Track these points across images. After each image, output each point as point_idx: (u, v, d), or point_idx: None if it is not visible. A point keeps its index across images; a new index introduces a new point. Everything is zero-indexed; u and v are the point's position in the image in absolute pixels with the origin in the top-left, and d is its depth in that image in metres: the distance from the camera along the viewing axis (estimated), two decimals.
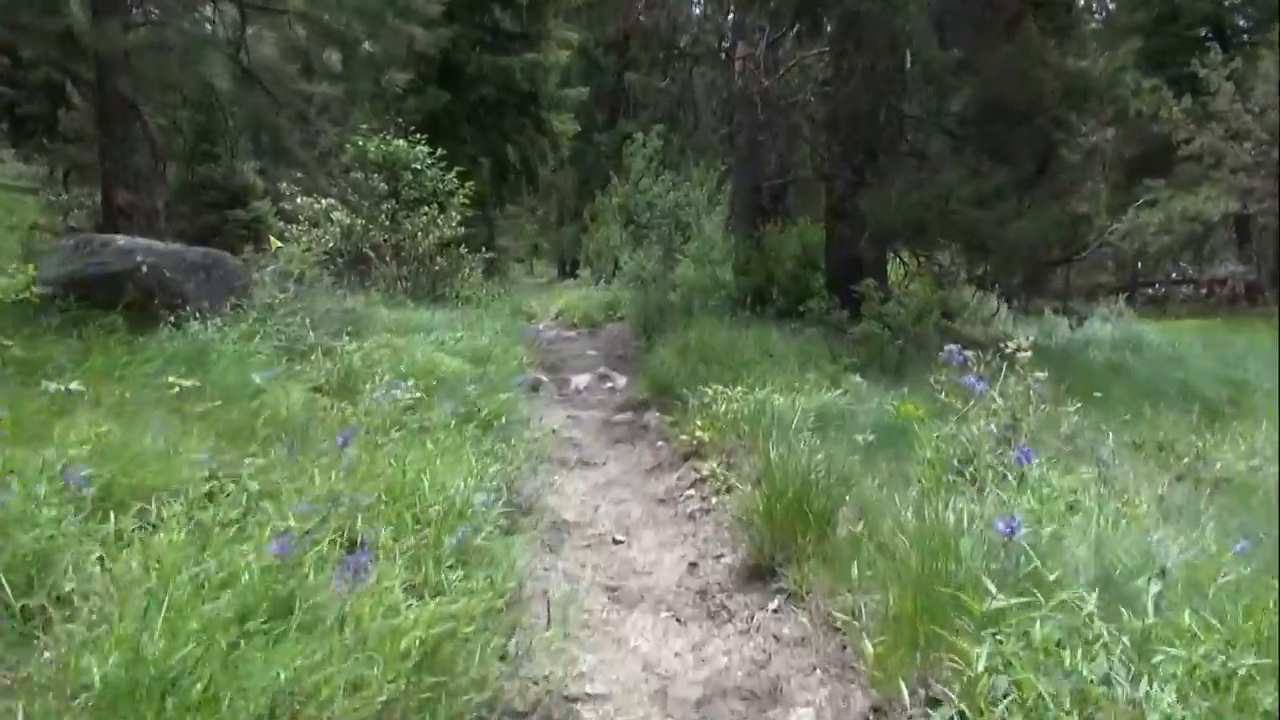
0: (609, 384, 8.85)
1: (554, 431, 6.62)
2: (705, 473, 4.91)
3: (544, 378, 9.35)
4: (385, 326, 8.51)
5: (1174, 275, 25.45)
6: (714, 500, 4.54)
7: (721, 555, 3.99)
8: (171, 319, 5.91)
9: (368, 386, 5.08)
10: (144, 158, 9.95)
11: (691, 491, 4.80)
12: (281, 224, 13.86)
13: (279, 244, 13.94)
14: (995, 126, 10.79)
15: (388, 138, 14.03)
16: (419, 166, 13.84)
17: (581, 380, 8.98)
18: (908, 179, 10.63)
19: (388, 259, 13.35)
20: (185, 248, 7.10)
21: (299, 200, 13.47)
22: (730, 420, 5.33)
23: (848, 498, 3.84)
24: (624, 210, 23.82)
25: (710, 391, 5.89)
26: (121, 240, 6.83)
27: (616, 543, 4.24)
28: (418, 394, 5.19)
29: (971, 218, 9.30)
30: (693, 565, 3.90)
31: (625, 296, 15.69)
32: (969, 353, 4.04)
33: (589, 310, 15.48)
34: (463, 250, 13.68)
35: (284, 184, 15.62)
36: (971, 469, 3.67)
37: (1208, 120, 20.05)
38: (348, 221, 13.19)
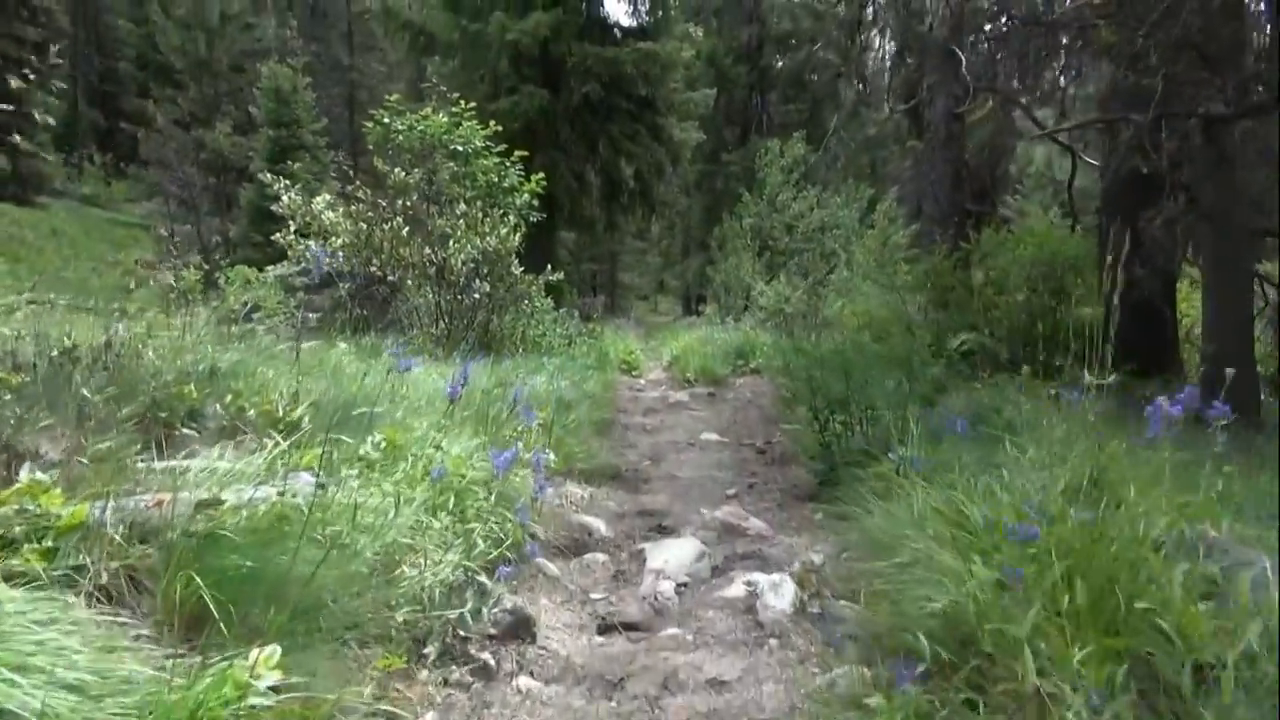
0: (748, 579, 3.19)
1: None
2: None
3: (600, 525, 3.84)
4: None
5: None
6: None
7: None
8: None
9: None
10: None
11: None
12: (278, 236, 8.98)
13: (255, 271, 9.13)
14: None
15: (423, 114, 9.00)
16: (461, 148, 8.68)
17: (676, 560, 3.35)
18: None
19: (416, 283, 8.22)
20: None
21: (284, 199, 8.52)
22: None
23: None
24: (757, 233, 18.35)
25: None
26: None
27: None
28: None
29: None
30: None
31: (763, 342, 10.02)
32: None
33: (709, 360, 9.88)
34: (517, 269, 8.31)
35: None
36: None
37: None
38: (350, 227, 8.14)
